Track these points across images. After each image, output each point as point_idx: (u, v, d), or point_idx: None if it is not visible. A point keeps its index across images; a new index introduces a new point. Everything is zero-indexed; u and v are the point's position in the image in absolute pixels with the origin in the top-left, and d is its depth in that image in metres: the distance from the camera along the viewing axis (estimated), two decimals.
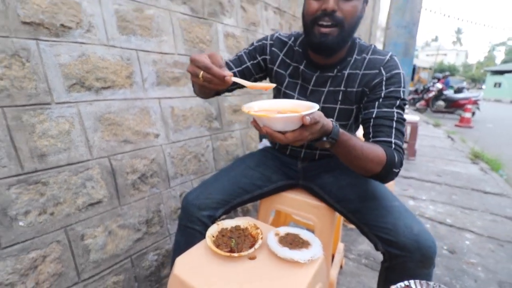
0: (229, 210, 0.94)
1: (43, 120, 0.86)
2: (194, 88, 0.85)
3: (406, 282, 0.60)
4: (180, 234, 0.89)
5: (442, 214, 2.06)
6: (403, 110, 0.79)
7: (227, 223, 0.80)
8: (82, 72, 0.93)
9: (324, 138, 0.63)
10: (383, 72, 0.80)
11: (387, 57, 0.82)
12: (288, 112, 0.61)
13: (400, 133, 0.77)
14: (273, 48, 0.94)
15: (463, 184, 2.67)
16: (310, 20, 0.77)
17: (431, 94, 8.87)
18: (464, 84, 13.27)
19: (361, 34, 4.97)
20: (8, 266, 0.80)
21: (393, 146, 0.74)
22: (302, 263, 0.66)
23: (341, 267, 1.41)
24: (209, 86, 0.59)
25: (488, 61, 55.14)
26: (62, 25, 0.88)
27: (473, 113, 8.55)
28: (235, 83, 0.64)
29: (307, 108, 0.60)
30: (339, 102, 0.87)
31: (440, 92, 8.79)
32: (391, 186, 1.87)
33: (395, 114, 0.76)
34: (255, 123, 0.60)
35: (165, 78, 1.22)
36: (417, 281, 0.59)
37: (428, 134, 5.15)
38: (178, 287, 0.65)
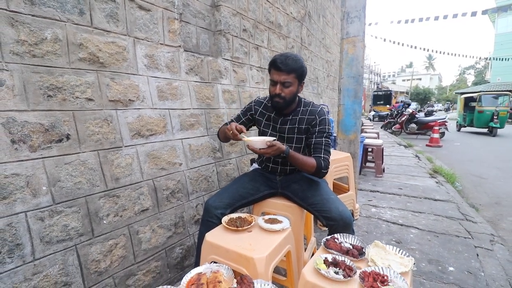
0: (234, 210, 1.46)
1: (118, 157, 1.40)
2: (219, 136, 1.58)
3: (334, 235, 1.14)
4: (203, 226, 1.40)
5: (396, 217, 2.61)
6: (329, 138, 1.42)
7: (233, 215, 1.33)
8: (139, 126, 1.50)
9: (282, 154, 1.27)
10: (317, 117, 1.43)
11: (319, 109, 1.46)
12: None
13: (327, 151, 1.40)
14: (255, 106, 1.56)
15: (418, 194, 3.27)
16: (271, 95, 1.42)
17: (404, 118, 9.82)
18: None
19: (332, 71, 5.83)
20: (98, 248, 1.29)
21: (322, 158, 1.36)
22: (277, 230, 1.20)
23: (314, 254, 1.91)
24: (230, 136, 1.33)
25: (460, 83, 59.00)
26: (129, 99, 1.46)
27: (443, 133, 9.48)
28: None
29: (270, 139, 1.26)
30: (295, 133, 1.47)
31: (412, 115, 9.77)
32: (353, 197, 2.42)
33: (323, 141, 1.40)
34: (248, 145, 1.27)
35: (185, 125, 1.79)
36: (339, 234, 1.14)
37: (399, 154, 5.84)
38: (209, 247, 1.17)
